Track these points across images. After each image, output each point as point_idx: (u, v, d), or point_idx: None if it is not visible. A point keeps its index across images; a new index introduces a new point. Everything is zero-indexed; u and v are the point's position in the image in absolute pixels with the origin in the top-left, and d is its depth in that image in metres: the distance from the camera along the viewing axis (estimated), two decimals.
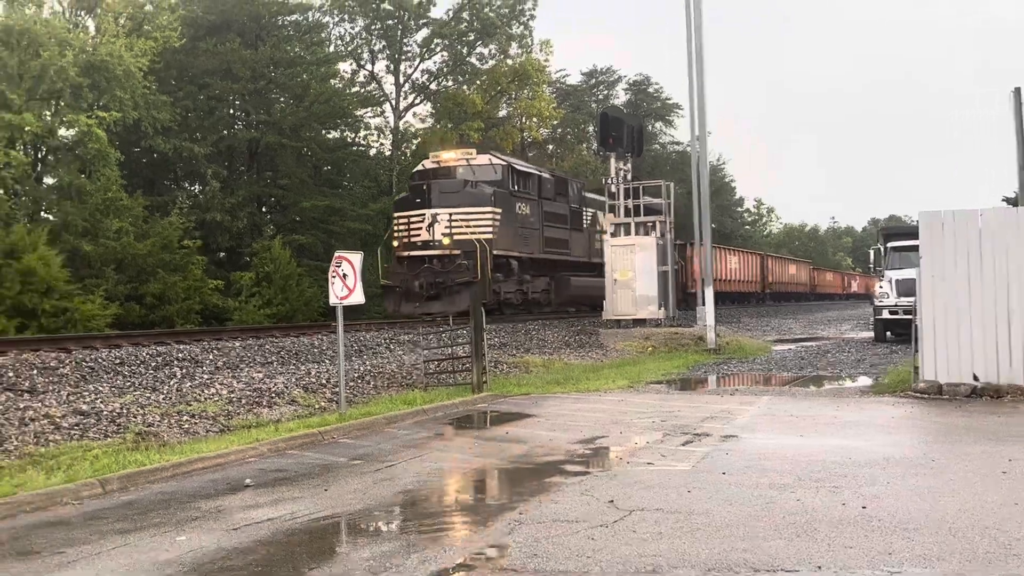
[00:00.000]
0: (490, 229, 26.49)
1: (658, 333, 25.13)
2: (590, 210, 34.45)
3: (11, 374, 13.49)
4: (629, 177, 27.49)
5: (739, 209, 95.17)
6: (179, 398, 12.96)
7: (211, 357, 16.45)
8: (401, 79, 47.17)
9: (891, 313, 24.02)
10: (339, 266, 12.99)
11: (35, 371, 13.83)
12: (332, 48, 44.40)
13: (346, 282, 12.98)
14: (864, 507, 7.05)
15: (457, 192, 26.80)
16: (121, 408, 11.98)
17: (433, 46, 46.93)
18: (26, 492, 7.90)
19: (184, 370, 15.27)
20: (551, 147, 63.11)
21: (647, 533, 6.46)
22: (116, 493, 8.29)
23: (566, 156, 60.21)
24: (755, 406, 13.33)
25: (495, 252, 26.34)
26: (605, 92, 70.71)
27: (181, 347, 16.81)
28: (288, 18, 41.69)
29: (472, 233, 25.85)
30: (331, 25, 45.30)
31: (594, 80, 70.95)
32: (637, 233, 26.46)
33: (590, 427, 11.58)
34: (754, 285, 55.33)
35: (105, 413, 11.66)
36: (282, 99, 41.13)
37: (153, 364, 15.30)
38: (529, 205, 29.22)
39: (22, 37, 28.58)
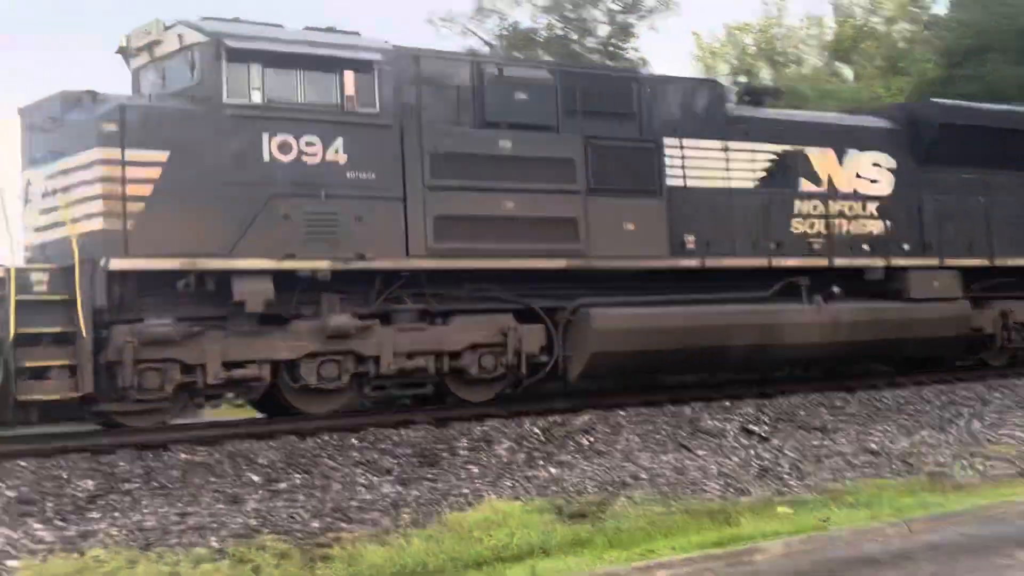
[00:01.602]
0: (99, 206, 10.59)
1: None
2: (767, 148, 15.14)
3: (802, 412, 14.33)
4: None
5: None
6: (969, 438, 12.60)
7: (997, 396, 15.70)
8: None
9: None
10: None
11: (823, 409, 14.50)
12: None
13: None
14: None
15: (54, 129, 11.34)
16: (909, 447, 12.03)
17: None
18: (835, 528, 8.32)
19: (971, 410, 14.75)
20: None
21: None
22: (921, 534, 8.29)
23: None
24: None
25: (131, 265, 10.63)
26: None
27: (962, 385, 16.33)
28: None
29: (59, 223, 10.96)
30: None
31: None
32: None
33: None
34: None
35: (894, 452, 11.80)
36: None
37: (937, 403, 15.06)
38: (347, 138, 11.66)
39: (787, 94, 30.92)
